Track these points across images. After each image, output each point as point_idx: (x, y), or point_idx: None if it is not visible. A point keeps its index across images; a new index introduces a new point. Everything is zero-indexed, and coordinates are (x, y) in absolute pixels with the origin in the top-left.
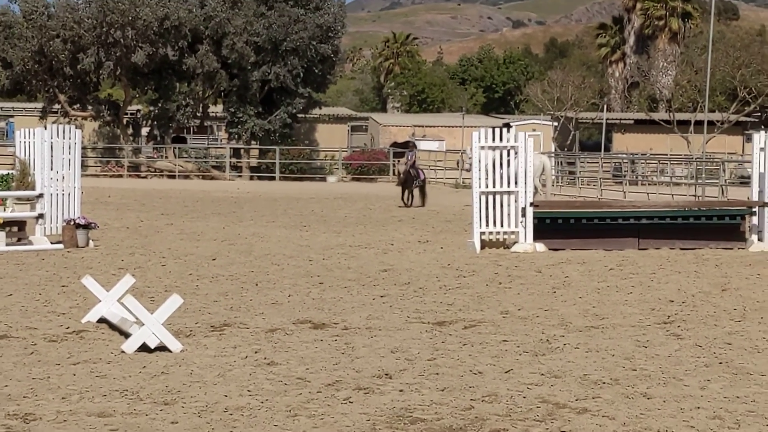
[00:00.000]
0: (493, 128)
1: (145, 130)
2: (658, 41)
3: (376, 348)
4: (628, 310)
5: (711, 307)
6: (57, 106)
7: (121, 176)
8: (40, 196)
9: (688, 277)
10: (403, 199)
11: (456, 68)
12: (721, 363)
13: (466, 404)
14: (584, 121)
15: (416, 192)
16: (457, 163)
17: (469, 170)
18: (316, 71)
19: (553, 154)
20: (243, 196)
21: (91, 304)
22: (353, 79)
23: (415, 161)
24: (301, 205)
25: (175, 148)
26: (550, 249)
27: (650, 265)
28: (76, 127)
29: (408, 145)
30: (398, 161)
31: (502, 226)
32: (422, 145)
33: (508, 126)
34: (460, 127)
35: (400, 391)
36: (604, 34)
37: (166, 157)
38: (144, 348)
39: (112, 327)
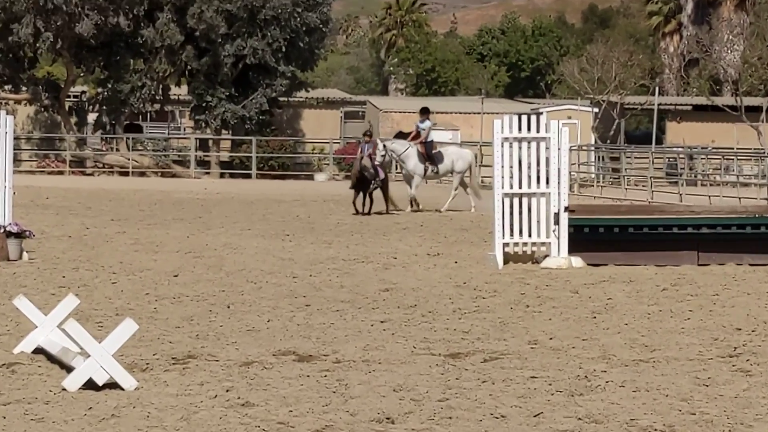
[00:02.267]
0: (520, 115)
1: (92, 117)
2: (722, 8)
3: (375, 386)
4: (685, 340)
5: None
6: None
7: (62, 173)
8: None
9: (758, 299)
10: (354, 204)
11: (474, 41)
12: None
13: None
14: (631, 106)
15: (377, 194)
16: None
17: (380, 164)
18: (302, 45)
19: (592, 147)
20: (211, 198)
21: (25, 331)
22: (347, 55)
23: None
24: (283, 210)
25: (128, 138)
26: (588, 264)
27: (712, 284)
28: (7, 113)
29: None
30: (361, 154)
31: (530, 236)
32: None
33: (426, 110)
34: (479, 113)
35: None
36: (656, 0)
37: (118, 149)
38: (90, 385)
39: (51, 359)
